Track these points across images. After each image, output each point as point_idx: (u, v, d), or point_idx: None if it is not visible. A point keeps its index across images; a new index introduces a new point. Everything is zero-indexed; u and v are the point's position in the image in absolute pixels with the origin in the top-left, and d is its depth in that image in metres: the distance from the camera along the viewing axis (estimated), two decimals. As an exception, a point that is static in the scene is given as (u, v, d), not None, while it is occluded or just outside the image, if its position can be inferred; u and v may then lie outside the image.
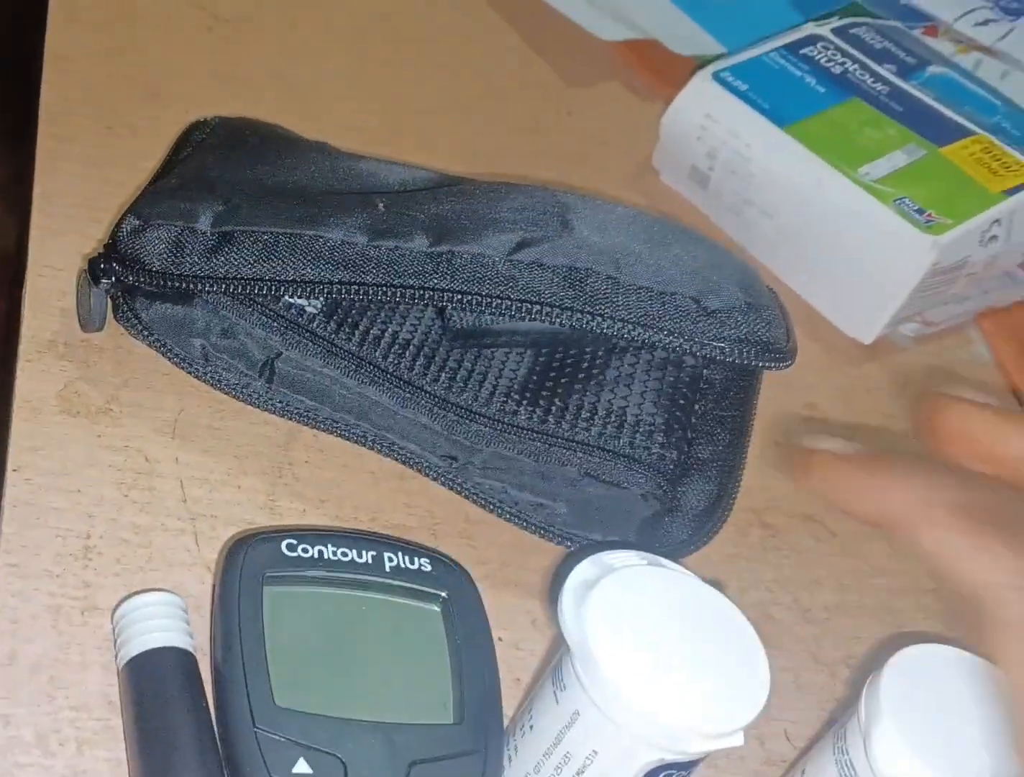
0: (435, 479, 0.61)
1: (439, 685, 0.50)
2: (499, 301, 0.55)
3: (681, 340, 0.55)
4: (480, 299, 0.56)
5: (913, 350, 0.78)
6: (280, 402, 0.61)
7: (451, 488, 0.60)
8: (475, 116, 0.86)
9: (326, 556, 0.52)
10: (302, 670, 0.49)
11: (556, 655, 0.47)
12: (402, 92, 0.86)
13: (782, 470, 0.68)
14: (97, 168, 0.73)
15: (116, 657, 0.49)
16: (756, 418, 0.65)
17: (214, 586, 0.53)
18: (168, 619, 0.50)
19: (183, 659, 0.49)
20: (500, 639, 0.56)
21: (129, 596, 0.51)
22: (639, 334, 0.55)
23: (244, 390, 0.61)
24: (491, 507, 0.60)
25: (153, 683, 0.48)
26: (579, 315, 0.55)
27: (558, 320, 0.55)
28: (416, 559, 0.53)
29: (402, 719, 0.48)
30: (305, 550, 0.52)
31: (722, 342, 0.55)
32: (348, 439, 0.61)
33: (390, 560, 0.53)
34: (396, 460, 0.61)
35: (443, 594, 0.53)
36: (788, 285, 0.78)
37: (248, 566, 0.51)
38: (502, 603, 0.57)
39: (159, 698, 0.47)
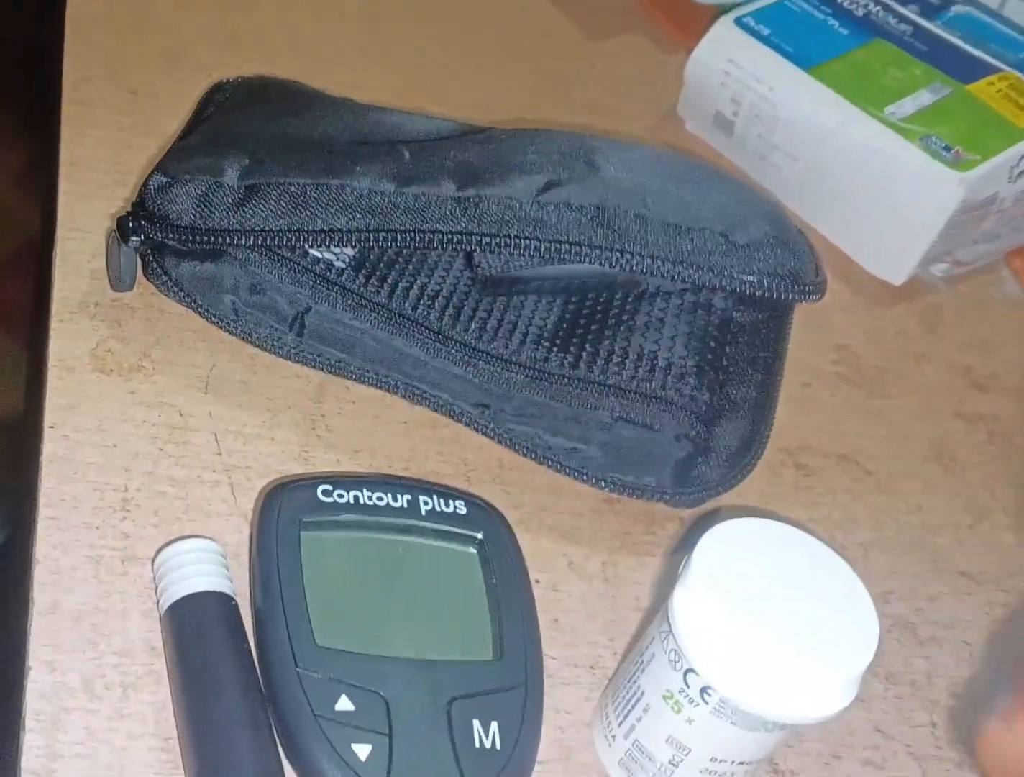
0: (468, 426, 0.61)
1: (477, 624, 0.50)
2: (528, 242, 0.55)
3: (711, 275, 0.55)
4: (509, 241, 0.56)
5: (943, 290, 0.78)
6: (311, 354, 0.61)
7: (484, 434, 0.60)
8: (496, 71, 0.86)
9: (361, 501, 0.53)
10: (341, 611, 0.49)
11: None
12: (422, 49, 0.86)
13: (814, 411, 0.68)
14: (121, 132, 0.73)
15: (158, 603, 0.50)
16: (788, 360, 0.64)
17: (251, 533, 0.54)
18: (208, 564, 0.50)
19: (224, 603, 0.49)
20: (537, 581, 0.56)
21: (169, 543, 0.51)
22: (669, 270, 0.55)
23: (275, 343, 0.62)
24: (524, 452, 0.60)
25: (195, 626, 0.48)
26: (608, 253, 0.55)
27: (587, 259, 0.55)
28: (451, 502, 0.54)
29: (442, 656, 0.48)
30: (340, 495, 0.53)
31: (751, 275, 0.55)
32: (380, 388, 0.61)
33: (425, 503, 0.53)
34: (428, 408, 0.61)
35: (479, 536, 0.53)
36: (816, 229, 0.78)
37: (285, 512, 0.52)
38: (538, 546, 0.57)
39: (201, 640, 0.47)
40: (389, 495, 0.53)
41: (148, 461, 0.57)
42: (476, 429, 0.61)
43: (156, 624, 0.50)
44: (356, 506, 0.53)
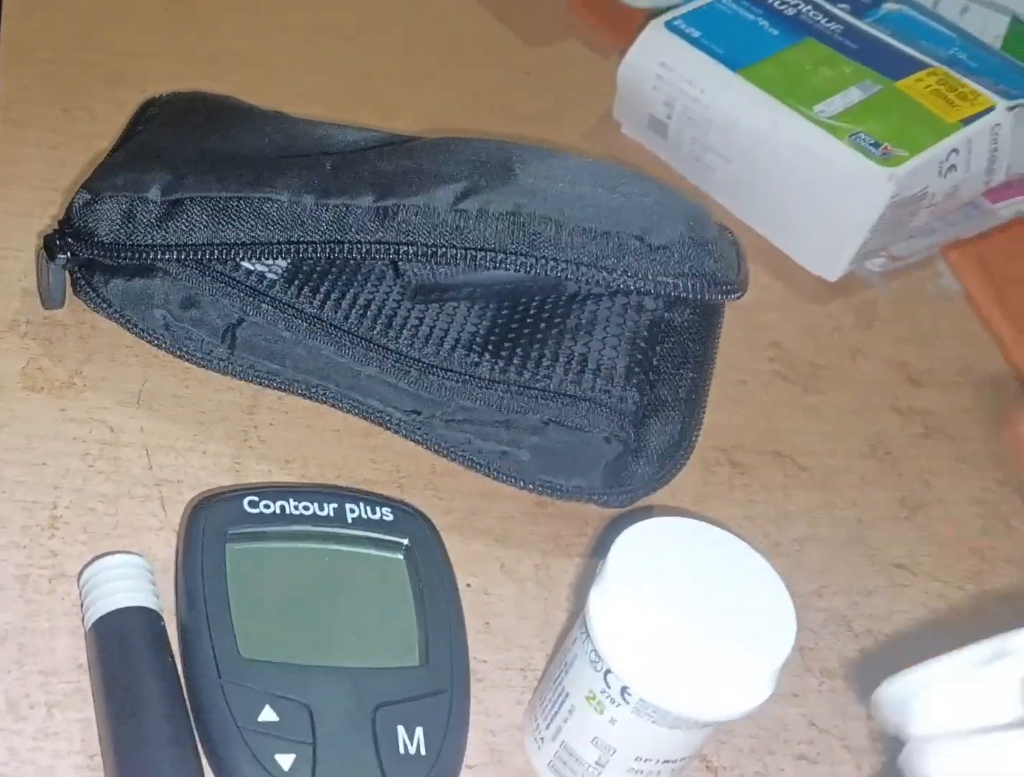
0: (398, 433, 0.61)
1: (404, 630, 0.51)
2: (444, 250, 0.56)
3: (625, 277, 0.55)
4: (427, 250, 0.56)
5: (880, 286, 0.78)
6: (242, 366, 0.62)
7: (416, 441, 0.61)
8: (434, 81, 0.86)
9: (288, 511, 0.53)
10: (266, 622, 0.49)
11: None
12: (361, 61, 0.86)
13: (749, 408, 0.68)
14: (55, 150, 0.73)
15: (83, 619, 0.50)
16: (723, 358, 0.65)
17: (177, 547, 0.54)
18: (133, 580, 0.50)
19: (149, 618, 0.49)
20: (469, 586, 0.56)
21: (95, 559, 0.51)
22: (583, 273, 0.55)
23: (207, 357, 0.62)
24: (455, 457, 0.60)
25: (119, 642, 0.48)
26: (523, 258, 0.55)
27: (503, 265, 0.55)
28: (378, 509, 0.54)
29: (367, 663, 0.49)
30: (267, 506, 0.53)
31: (667, 276, 0.55)
32: (312, 399, 0.62)
33: (352, 511, 0.53)
34: (360, 417, 0.61)
35: (405, 542, 0.53)
36: (752, 227, 0.78)
37: (210, 525, 0.52)
38: (470, 551, 0.58)
39: (125, 656, 0.47)
40: (316, 504, 0.53)
41: (78, 478, 0.57)
42: (407, 436, 0.61)
43: (83, 641, 0.50)
44: (282, 516, 0.53)
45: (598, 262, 0.55)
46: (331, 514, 0.53)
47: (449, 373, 0.60)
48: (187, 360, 0.62)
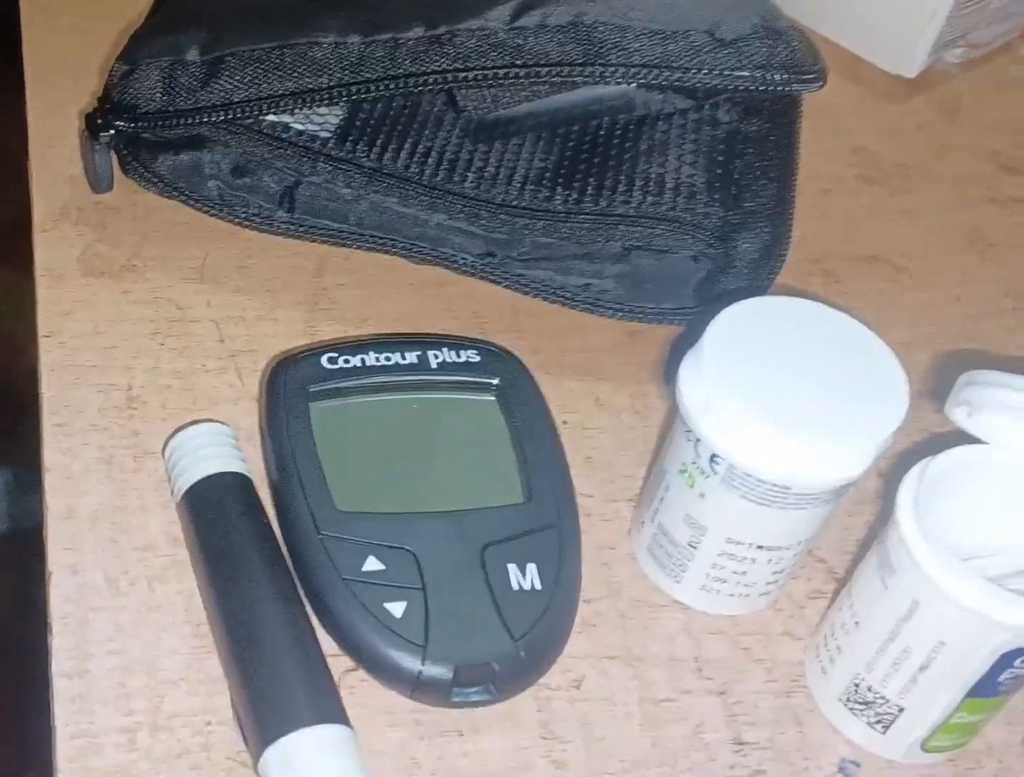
0: (476, 276, 0.58)
1: (504, 469, 0.48)
2: (506, 70, 0.52)
3: (700, 75, 0.51)
4: (487, 73, 0.53)
5: (961, 77, 0.74)
6: (305, 227, 0.59)
7: (493, 281, 0.58)
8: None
9: (368, 363, 0.51)
10: (360, 475, 0.47)
11: (880, 537, 0.42)
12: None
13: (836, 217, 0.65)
14: (86, 35, 0.70)
15: (172, 492, 0.48)
16: (804, 169, 0.61)
17: (260, 412, 0.52)
18: (218, 446, 0.48)
19: (239, 482, 0.47)
20: (566, 423, 0.54)
21: (176, 431, 0.49)
22: (656, 76, 0.51)
23: (266, 221, 0.59)
24: (537, 294, 0.58)
25: (212, 508, 0.46)
26: (591, 68, 0.52)
27: (570, 79, 0.52)
28: (462, 352, 0.51)
29: (470, 505, 0.46)
30: (347, 360, 0.51)
31: (744, 70, 0.51)
32: (380, 251, 0.59)
33: (435, 357, 0.51)
34: (433, 265, 0.59)
35: (495, 381, 0.51)
36: (821, 33, 0.74)
37: (291, 385, 0.50)
38: (563, 388, 0.55)
39: (220, 521, 0.46)
40: (397, 353, 0.51)
41: (150, 357, 0.55)
42: (485, 278, 0.58)
43: (175, 515, 0.48)
44: (363, 369, 0.50)
45: (671, 62, 0.51)
46: (414, 362, 0.51)
47: (521, 211, 0.57)
48: (248, 226, 0.60)
